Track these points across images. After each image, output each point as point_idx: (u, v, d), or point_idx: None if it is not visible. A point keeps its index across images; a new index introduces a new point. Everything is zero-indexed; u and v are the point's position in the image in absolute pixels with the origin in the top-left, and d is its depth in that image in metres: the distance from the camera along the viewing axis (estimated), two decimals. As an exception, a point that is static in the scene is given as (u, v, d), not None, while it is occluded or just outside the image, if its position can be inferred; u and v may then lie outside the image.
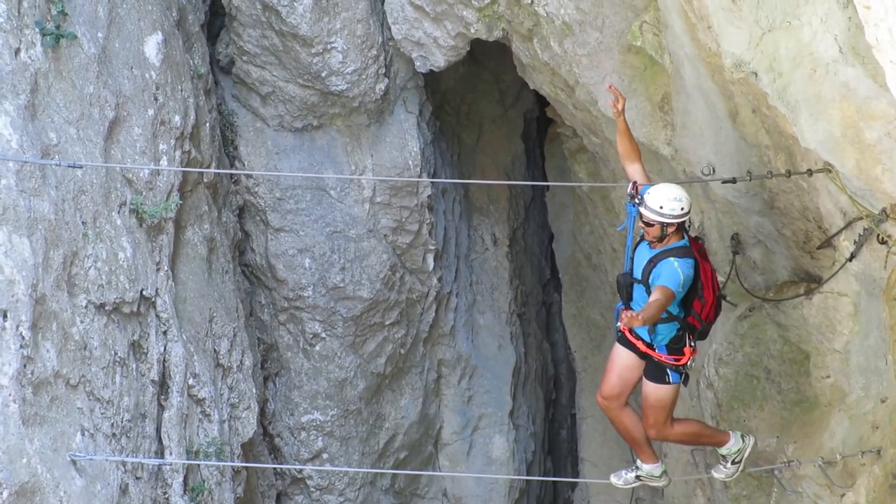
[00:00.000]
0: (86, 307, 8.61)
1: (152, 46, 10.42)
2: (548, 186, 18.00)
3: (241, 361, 11.92)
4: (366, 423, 14.93)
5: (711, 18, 8.06)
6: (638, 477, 9.59)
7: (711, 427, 9.87)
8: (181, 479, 9.96)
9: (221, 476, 10.91)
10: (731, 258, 10.44)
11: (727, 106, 8.87)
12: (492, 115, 17.35)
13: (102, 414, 8.66)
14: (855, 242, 8.54)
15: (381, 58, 13.44)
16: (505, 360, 16.98)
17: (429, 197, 14.61)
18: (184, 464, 9.96)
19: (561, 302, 18.73)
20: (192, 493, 10.21)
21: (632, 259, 8.84)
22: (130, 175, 9.82)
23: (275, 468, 14.14)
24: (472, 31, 12.23)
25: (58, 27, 8.74)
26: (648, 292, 8.66)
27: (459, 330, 16.35)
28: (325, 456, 14.57)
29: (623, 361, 9.14)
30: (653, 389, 8.96)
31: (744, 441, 9.42)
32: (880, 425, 9.03)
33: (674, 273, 8.47)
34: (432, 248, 14.96)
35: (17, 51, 8.17)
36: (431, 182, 14.62)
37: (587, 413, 17.74)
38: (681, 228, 8.64)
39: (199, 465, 10.37)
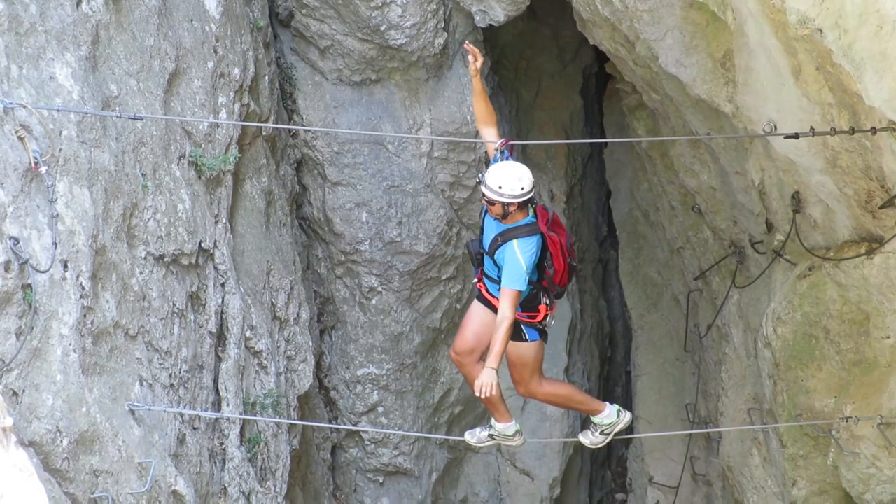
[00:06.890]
0: (145, 258, 8.67)
1: (212, -1, 10.45)
2: (606, 143, 17.90)
3: (297, 314, 11.99)
4: (421, 377, 14.99)
5: (776, -27, 7.94)
6: (491, 436, 9.56)
7: (585, 395, 9.89)
8: (238, 430, 10.06)
9: (278, 428, 11.00)
10: (792, 217, 10.34)
11: (790, 63, 8.74)
12: (550, 71, 17.25)
13: (161, 364, 8.74)
14: (918, 202, 8.43)
15: (441, 12, 13.38)
16: (560, 317, 16.91)
17: (486, 152, 14.55)
18: (239, 418, 10.06)
19: (617, 259, 18.68)
20: (248, 444, 10.31)
21: (482, 228, 8.81)
22: (190, 127, 9.86)
23: (330, 422, 14.25)
24: (533, -15, 12.15)
25: (119, -21, 8.76)
26: (496, 265, 8.65)
27: (515, 286, 16.31)
28: (380, 409, 14.66)
29: (479, 318, 9.17)
30: (511, 347, 8.96)
31: (619, 416, 9.46)
32: (940, 387, 8.97)
33: (516, 266, 8.42)
34: (489, 203, 14.92)
35: (79, 2, 8.17)
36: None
37: (642, 371, 17.71)
38: (525, 206, 8.53)
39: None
